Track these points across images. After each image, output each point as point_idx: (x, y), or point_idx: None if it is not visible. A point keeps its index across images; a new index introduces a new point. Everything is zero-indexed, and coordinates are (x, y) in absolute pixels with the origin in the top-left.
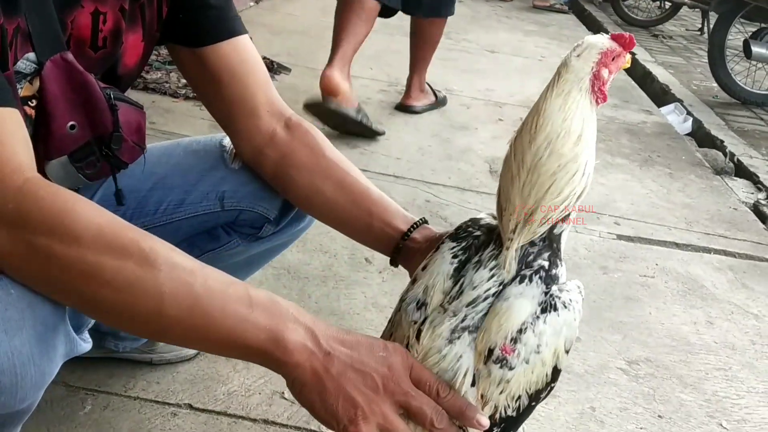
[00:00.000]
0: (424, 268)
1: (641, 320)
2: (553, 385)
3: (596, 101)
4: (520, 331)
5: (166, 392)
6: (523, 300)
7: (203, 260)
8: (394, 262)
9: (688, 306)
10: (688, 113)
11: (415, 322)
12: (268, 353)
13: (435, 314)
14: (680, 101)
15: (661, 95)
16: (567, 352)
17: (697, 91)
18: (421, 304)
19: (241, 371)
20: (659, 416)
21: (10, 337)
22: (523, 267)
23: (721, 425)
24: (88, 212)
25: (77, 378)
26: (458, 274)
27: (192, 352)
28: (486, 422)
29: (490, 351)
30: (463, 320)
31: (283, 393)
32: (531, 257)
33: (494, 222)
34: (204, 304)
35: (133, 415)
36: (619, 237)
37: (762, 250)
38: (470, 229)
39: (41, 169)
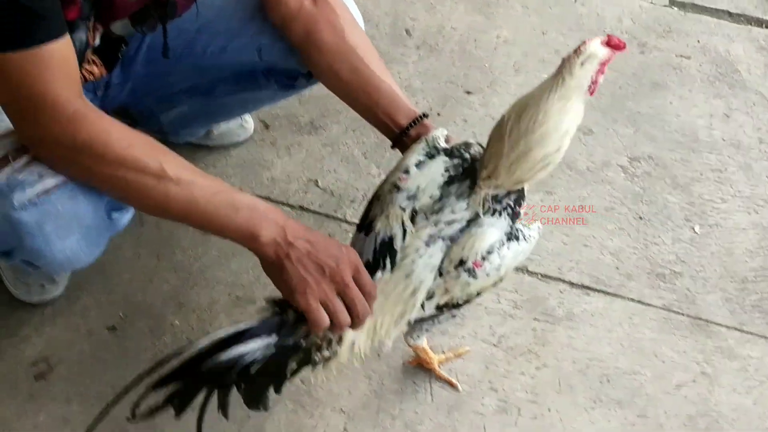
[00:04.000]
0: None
1: (659, 111)
2: (497, 285)
3: (588, 94)
4: (489, 252)
5: (221, 176)
6: (494, 229)
7: (243, 99)
8: (394, 148)
9: (712, 95)
10: None
11: (404, 209)
12: (246, 244)
13: (419, 218)
14: None
15: None
16: (515, 269)
17: None
18: (411, 197)
19: (283, 157)
20: (640, 217)
21: (62, 240)
22: (494, 203)
23: (693, 229)
24: (121, 138)
25: None
26: (446, 188)
27: (242, 136)
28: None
29: (462, 261)
30: (440, 231)
31: (317, 181)
32: (501, 195)
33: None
34: (200, 208)
35: None
36: (672, 3)
37: None
38: (462, 151)
39: (108, 28)
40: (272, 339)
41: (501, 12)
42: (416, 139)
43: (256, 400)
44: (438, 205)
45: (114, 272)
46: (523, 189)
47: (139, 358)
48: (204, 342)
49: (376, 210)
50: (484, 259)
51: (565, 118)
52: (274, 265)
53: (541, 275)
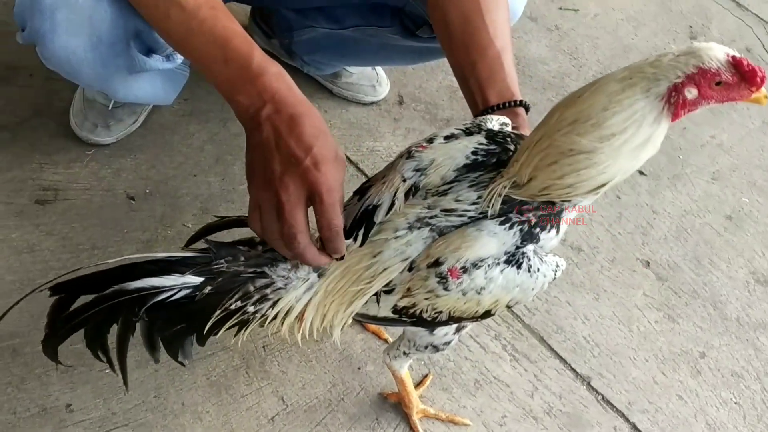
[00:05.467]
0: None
1: None
2: (480, 320)
3: (669, 116)
4: (474, 265)
5: (327, 124)
6: (494, 240)
7: (364, 33)
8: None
9: None
10: None
11: (404, 180)
12: (225, 97)
13: (417, 196)
14: None
15: None
16: (508, 307)
17: None
18: (420, 169)
19: (397, 136)
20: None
21: (69, 36)
22: (513, 211)
23: None
24: None
25: None
26: (465, 172)
27: (369, 98)
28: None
29: (438, 262)
30: (431, 217)
31: None
32: (526, 206)
33: None
34: (193, 44)
35: None
36: None
37: None
38: (508, 139)
39: None
40: (197, 280)
41: (731, 116)
42: None
43: (173, 347)
44: (445, 188)
45: (170, 152)
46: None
47: (134, 234)
48: (114, 262)
49: (379, 175)
50: (465, 270)
51: (615, 109)
52: (246, 131)
53: (604, 398)
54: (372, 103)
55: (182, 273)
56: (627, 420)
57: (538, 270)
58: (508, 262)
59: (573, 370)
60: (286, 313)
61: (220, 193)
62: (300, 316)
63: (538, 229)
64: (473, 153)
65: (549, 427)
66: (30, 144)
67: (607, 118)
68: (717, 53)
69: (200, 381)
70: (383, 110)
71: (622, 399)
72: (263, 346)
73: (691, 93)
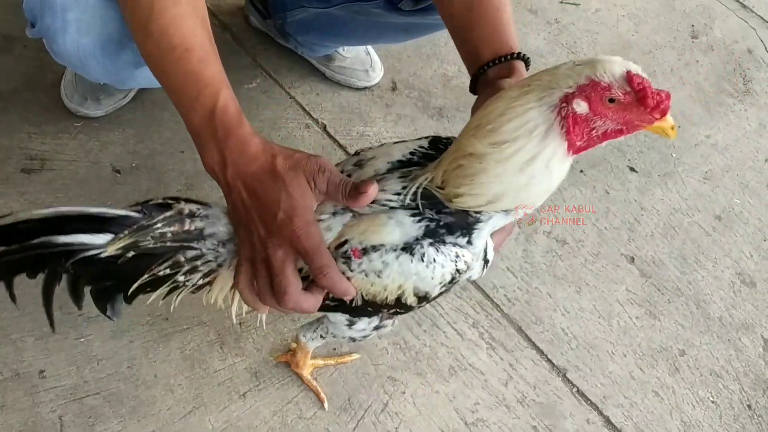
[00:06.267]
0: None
1: None
2: (399, 311)
3: (563, 135)
4: (374, 248)
5: (315, 106)
6: (399, 229)
7: (351, 11)
8: (472, 90)
9: None
10: None
11: (343, 173)
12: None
13: None
14: None
15: None
16: (418, 298)
17: None
18: (358, 164)
19: (387, 123)
20: (748, 406)
21: (80, 35)
22: (429, 209)
23: None
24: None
25: (263, 57)
26: (398, 166)
27: (362, 82)
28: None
29: (345, 241)
30: None
31: None
32: (443, 209)
33: None
34: (167, 85)
35: (278, 109)
36: None
37: None
38: (449, 146)
39: None
40: (126, 240)
41: (728, 117)
42: (493, 84)
43: (102, 302)
44: (374, 177)
45: (159, 128)
46: (469, 228)
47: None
48: (45, 212)
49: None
50: (365, 252)
51: (511, 115)
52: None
53: (579, 390)
54: (365, 88)
55: (114, 234)
56: (601, 413)
57: (434, 261)
58: (403, 249)
59: (549, 361)
60: (222, 286)
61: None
62: (232, 290)
63: (444, 231)
64: (411, 153)
65: (521, 416)
66: (20, 114)
67: (502, 123)
68: (613, 67)
69: (174, 354)
70: (375, 96)
71: (597, 392)
72: (239, 323)
73: (580, 106)
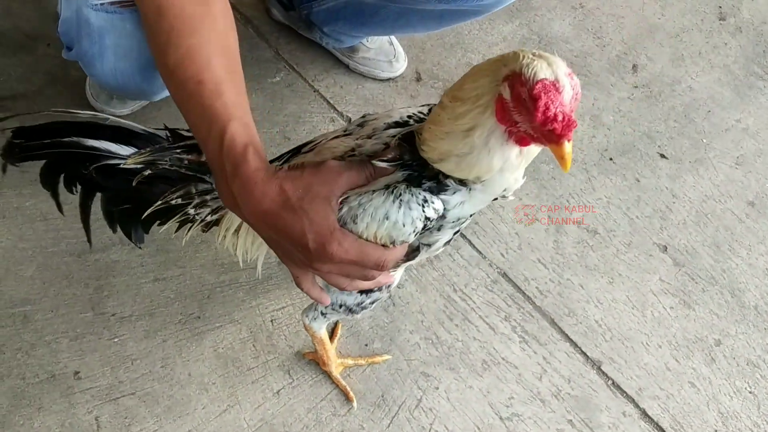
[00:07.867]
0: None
1: None
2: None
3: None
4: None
5: (339, 99)
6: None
7: (382, 5)
8: None
9: None
10: None
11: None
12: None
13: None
14: None
15: None
16: (392, 243)
17: None
18: (360, 125)
19: None
20: None
21: (117, 59)
22: (411, 159)
23: None
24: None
25: (285, 50)
26: (394, 125)
27: (386, 73)
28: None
29: None
30: (352, 154)
31: None
32: (427, 165)
33: None
34: (186, 116)
35: (302, 103)
36: None
37: None
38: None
39: None
40: (146, 156)
41: (758, 100)
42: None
43: (126, 227)
44: (372, 134)
45: (182, 124)
46: (443, 183)
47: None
48: (82, 115)
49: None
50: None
51: (474, 77)
52: None
53: (614, 383)
54: (389, 80)
55: (137, 148)
56: (637, 406)
57: (411, 207)
58: (383, 189)
59: (583, 353)
60: (227, 227)
61: None
62: (236, 233)
63: (425, 178)
64: (408, 116)
65: (556, 410)
66: None
67: (465, 81)
68: (540, 67)
69: (207, 353)
70: (400, 87)
71: (632, 384)
72: (271, 320)
73: (506, 91)
